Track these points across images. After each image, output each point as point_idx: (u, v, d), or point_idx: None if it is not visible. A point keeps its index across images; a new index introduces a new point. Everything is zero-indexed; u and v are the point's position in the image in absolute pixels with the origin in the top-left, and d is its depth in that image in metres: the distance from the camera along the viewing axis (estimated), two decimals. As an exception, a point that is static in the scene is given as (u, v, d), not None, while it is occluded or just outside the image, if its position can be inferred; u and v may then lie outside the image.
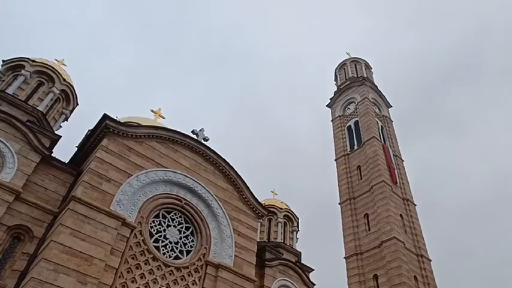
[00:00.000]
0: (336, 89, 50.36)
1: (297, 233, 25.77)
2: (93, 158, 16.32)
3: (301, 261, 23.63)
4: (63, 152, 19.62)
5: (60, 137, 18.12)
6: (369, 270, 29.37)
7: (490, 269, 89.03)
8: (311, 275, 23.11)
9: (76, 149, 23.76)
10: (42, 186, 15.56)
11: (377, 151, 36.85)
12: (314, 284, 22.56)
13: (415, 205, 35.26)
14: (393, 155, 38.87)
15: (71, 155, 18.96)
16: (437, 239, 64.17)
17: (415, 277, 28.25)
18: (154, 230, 17.07)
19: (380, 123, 42.67)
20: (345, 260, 31.51)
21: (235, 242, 19.07)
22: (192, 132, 21.27)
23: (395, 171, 36.68)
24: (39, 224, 14.67)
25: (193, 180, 19.21)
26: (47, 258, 12.78)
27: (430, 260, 30.94)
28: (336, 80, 53.18)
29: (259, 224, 22.02)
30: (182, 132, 20.12)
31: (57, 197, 15.78)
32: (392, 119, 45.85)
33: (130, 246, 15.51)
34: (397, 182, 35.42)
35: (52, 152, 16.69)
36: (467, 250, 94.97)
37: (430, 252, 31.76)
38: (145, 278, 15.23)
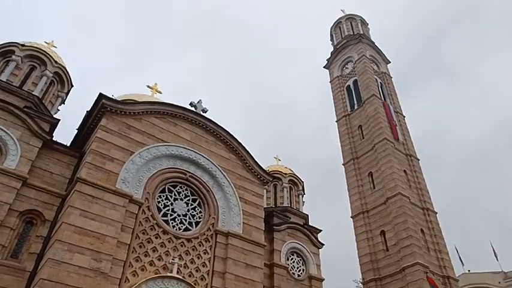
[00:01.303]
0: (332, 50, 49.41)
1: (302, 196, 26.15)
2: (94, 139, 16.37)
3: (309, 224, 24.13)
4: (64, 135, 19.69)
5: (59, 120, 18.08)
6: (375, 227, 29.99)
7: (495, 215, 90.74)
8: (319, 236, 23.66)
9: (77, 131, 23.93)
10: (47, 170, 15.73)
11: (377, 109, 36.62)
12: (323, 244, 23.16)
13: (419, 160, 35.45)
14: (394, 111, 38.66)
15: (72, 137, 19.01)
16: (441, 191, 65.15)
17: (421, 230, 28.85)
18: (161, 205, 17.36)
19: (379, 80, 42.14)
20: (351, 219, 32.12)
21: (242, 209, 19.41)
22: (190, 104, 21.15)
23: (397, 127, 36.61)
24: (49, 207, 14.95)
25: (196, 152, 19.31)
26: (61, 239, 13.12)
27: (436, 213, 31.48)
28: (332, 40, 52.04)
29: (265, 190, 22.30)
30: (180, 105, 20.02)
31: (63, 180, 15.99)
32: (391, 75, 45.23)
33: (140, 222, 15.85)
34: (399, 139, 35.45)
35: (53, 136, 16.74)
36: (471, 199, 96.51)
37: (435, 204, 32.28)
38: (157, 251, 15.66)
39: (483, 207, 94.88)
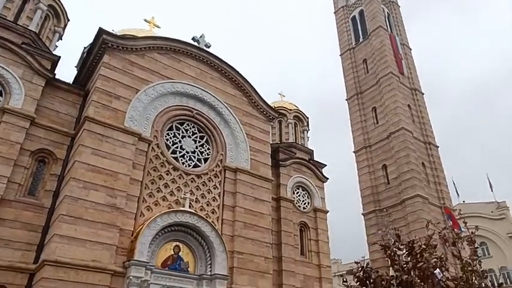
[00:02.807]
0: (338, -23, 46.41)
1: (307, 132, 26.25)
2: (97, 77, 15.95)
3: (314, 159, 24.50)
4: (62, 73, 19.09)
5: (60, 57, 17.43)
6: (378, 161, 30.58)
7: (492, 150, 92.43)
8: (324, 170, 24.16)
9: (75, 68, 23.24)
10: (53, 109, 15.53)
11: (383, 41, 35.45)
12: (327, 178, 23.74)
13: (423, 94, 35.15)
14: (400, 43, 37.47)
15: (71, 75, 18.56)
16: (443, 124, 65.65)
17: (422, 163, 29.48)
18: (170, 142, 17.43)
19: (386, 10, 40.27)
20: (354, 153, 32.63)
21: (249, 146, 19.57)
22: (193, 39, 20.33)
23: (403, 61, 35.76)
24: (60, 146, 15.01)
25: (201, 89, 18.97)
26: (75, 177, 13.35)
27: (438, 147, 31.94)
28: (337, -34, 48.69)
29: (271, 126, 22.32)
30: (182, 40, 19.25)
31: (71, 119, 15.87)
32: (399, 4, 43.09)
33: (150, 159, 16.03)
34: (404, 73, 34.77)
35: (55, 74, 16.27)
36: (470, 133, 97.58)
37: (436, 138, 32.62)
38: (169, 187, 16.04)
39: (481, 141, 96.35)
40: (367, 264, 5.55)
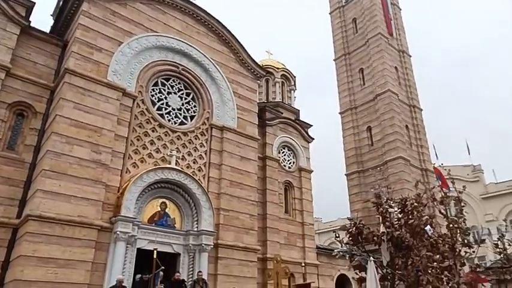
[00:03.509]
0: None
1: (294, 91, 25.97)
2: (76, 26, 15.03)
3: (300, 119, 24.43)
4: (36, 21, 17.91)
5: (34, 3, 16.26)
6: (362, 123, 30.77)
7: (473, 115, 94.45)
8: (309, 131, 24.21)
9: (51, 17, 21.87)
10: (30, 60, 14.68)
11: (374, 0, 34.53)
12: (313, 139, 23.84)
13: (410, 56, 34.94)
14: (391, 3, 36.63)
15: (47, 25, 17.47)
16: (427, 88, 66.17)
17: (406, 126, 29.85)
18: (155, 98, 16.95)
19: (378, -32, 38.87)
20: (340, 115, 32.69)
21: (236, 104, 19.26)
22: (179, -10, 19.25)
23: (392, 22, 35.15)
24: (39, 99, 14.36)
25: (187, 44, 18.26)
26: (57, 131, 12.91)
27: (421, 110, 32.26)
28: None
29: (258, 85, 21.93)
30: (167, -11, 18.20)
31: (49, 71, 15.08)
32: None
33: (135, 115, 15.60)
34: (393, 34, 34.29)
35: (30, 22, 15.25)
36: (454, 96, 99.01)
37: (420, 101, 32.90)
38: (155, 144, 15.76)
39: (463, 107, 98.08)
40: (360, 221, 5.60)
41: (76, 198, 12.58)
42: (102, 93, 14.37)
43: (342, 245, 5.37)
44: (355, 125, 31.11)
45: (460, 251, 5.75)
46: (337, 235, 5.61)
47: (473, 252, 5.91)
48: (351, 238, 5.53)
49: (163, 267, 12.65)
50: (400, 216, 5.60)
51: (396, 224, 5.57)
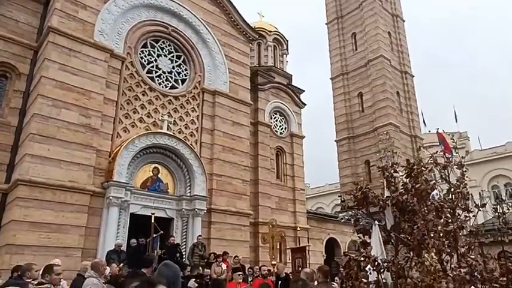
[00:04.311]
0: None
1: (286, 56, 25.40)
2: (59, -18, 14.10)
3: (292, 84, 24.06)
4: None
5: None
6: (354, 88, 30.50)
7: (461, 84, 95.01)
8: (301, 96, 23.92)
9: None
10: (11, 18, 13.81)
11: (369, -38, 33.29)
12: (305, 104, 23.61)
13: (404, 21, 34.31)
14: (386, -35, 35.44)
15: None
16: (418, 55, 65.85)
17: (397, 92, 29.75)
18: (145, 61, 16.33)
19: None
20: (331, 80, 32.30)
21: (228, 68, 18.74)
22: None
23: (386, -16, 34.16)
24: (22, 60, 13.66)
25: (177, 3, 17.44)
26: (43, 94, 12.37)
27: (413, 76, 32.09)
28: None
29: (250, 48, 21.32)
30: None
31: (32, 30, 14.28)
32: None
33: (125, 78, 15.05)
34: (387, -3, 33.42)
35: (8, -24, 14.23)
36: (444, 65, 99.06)
37: (412, 68, 32.66)
38: (146, 108, 15.34)
39: (452, 74, 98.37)
40: (366, 185, 5.51)
41: (66, 163, 12.27)
42: (88, 54, 13.73)
43: (346, 209, 5.34)
44: (346, 91, 30.85)
45: (460, 215, 5.75)
46: (342, 199, 5.56)
47: (474, 216, 5.93)
48: (356, 202, 5.46)
49: (162, 232, 12.68)
50: (406, 181, 5.50)
51: (402, 188, 5.49)
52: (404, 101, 30.22)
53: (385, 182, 5.77)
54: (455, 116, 43.96)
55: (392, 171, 5.82)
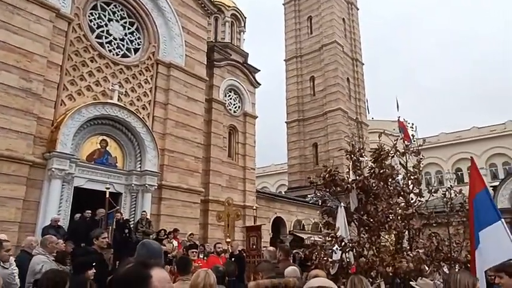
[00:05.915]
0: None
1: (244, 33, 24.97)
2: None
3: (248, 63, 23.79)
4: None
5: None
6: (307, 72, 30.98)
7: (408, 71, 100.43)
8: (256, 76, 23.78)
9: None
10: None
11: None
12: (260, 84, 23.53)
13: (358, 9, 35.19)
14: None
15: None
16: (368, 42, 68.22)
17: (347, 79, 30.71)
18: (94, 25, 15.14)
19: None
20: (284, 62, 32.48)
21: (185, 41, 18.01)
22: None
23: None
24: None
25: (132, -35, 16.25)
26: (-23, 52, 11.02)
27: (363, 64, 33.25)
28: None
29: (207, 22, 20.62)
30: None
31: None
32: None
33: (71, 41, 13.86)
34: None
35: None
36: (392, 52, 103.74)
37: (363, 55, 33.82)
38: (94, 76, 14.31)
39: (400, 60, 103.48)
40: (336, 168, 5.62)
41: (3, 130, 11.16)
42: (32, 13, 12.41)
43: (314, 191, 5.48)
44: (299, 74, 31.26)
45: (413, 200, 6.14)
46: (312, 180, 5.64)
47: (426, 201, 6.36)
48: (324, 184, 5.56)
49: (118, 207, 12.10)
50: (373, 165, 5.71)
51: (368, 173, 5.68)
52: (354, 87, 31.32)
53: (351, 165, 5.93)
54: (397, 104, 46.71)
55: (358, 155, 5.99)
